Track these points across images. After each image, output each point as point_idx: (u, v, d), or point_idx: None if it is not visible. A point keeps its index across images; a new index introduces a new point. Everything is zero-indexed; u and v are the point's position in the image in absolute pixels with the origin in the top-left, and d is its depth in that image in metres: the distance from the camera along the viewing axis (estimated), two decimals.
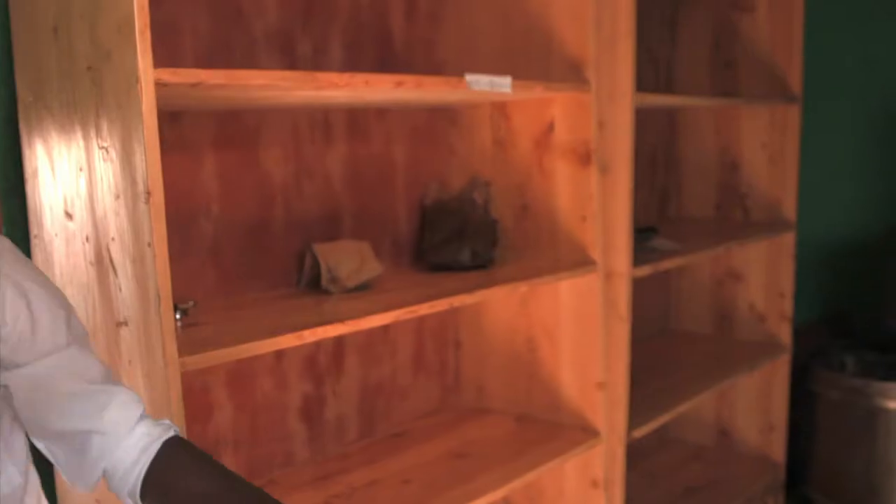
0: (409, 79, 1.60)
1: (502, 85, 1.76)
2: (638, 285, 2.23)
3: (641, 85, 2.24)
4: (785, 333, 3.06)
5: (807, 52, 2.99)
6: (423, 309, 1.66)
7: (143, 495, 1.02)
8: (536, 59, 2.07)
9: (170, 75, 1.22)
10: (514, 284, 1.88)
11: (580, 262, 2.06)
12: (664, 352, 3.03)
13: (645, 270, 2.24)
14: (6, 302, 0.96)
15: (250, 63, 1.78)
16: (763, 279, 3.10)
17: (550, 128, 2.09)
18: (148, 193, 1.20)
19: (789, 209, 3.04)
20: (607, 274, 2.16)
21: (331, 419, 2.01)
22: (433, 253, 2.06)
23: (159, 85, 1.21)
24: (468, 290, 1.78)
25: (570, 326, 2.15)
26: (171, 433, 1.05)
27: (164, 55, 1.40)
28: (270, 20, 1.81)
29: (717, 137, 3.18)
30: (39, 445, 1.07)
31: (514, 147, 2.16)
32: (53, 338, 1.02)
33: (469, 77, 1.69)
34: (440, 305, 1.70)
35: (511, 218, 2.19)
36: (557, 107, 2.08)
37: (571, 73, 2.03)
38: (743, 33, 3.08)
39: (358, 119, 2.02)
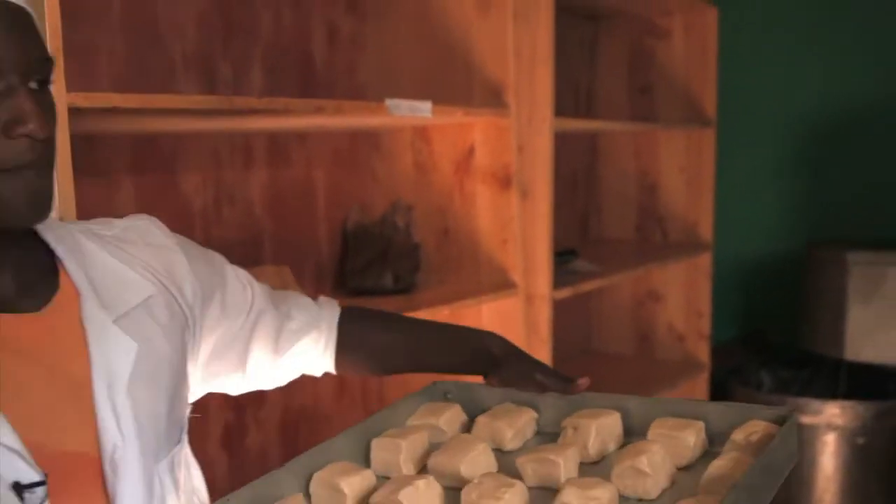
0: (329, 104, 1.60)
1: (422, 110, 1.77)
2: (559, 307, 2.26)
3: (561, 110, 2.28)
4: (703, 352, 3.13)
5: (722, 76, 3.08)
6: None
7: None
8: (457, 84, 2.10)
9: (83, 100, 1.20)
10: (435, 308, 1.89)
11: (501, 284, 2.08)
12: (586, 373, 3.05)
13: (565, 292, 2.27)
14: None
15: (169, 87, 1.76)
16: (681, 299, 3.17)
17: (471, 152, 2.11)
18: (61, 220, 1.18)
19: (706, 230, 3.11)
20: (528, 296, 2.18)
21: (253, 447, 1.99)
22: (355, 277, 2.06)
23: (73, 110, 1.19)
24: None
25: None
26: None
27: (79, 79, 1.38)
28: (189, 43, 1.80)
29: (636, 161, 3.25)
30: (220, 384, 1.29)
31: (435, 171, 2.17)
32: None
33: (389, 102, 1.70)
34: None
35: (433, 241, 2.20)
36: (478, 131, 2.10)
37: (492, 98, 2.05)
38: (659, 59, 3.16)
39: (279, 143, 2.01)
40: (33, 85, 0.97)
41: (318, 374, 1.37)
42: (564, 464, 1.03)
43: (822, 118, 3.03)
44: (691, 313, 3.15)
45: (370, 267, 2.04)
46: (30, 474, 0.94)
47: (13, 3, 0.96)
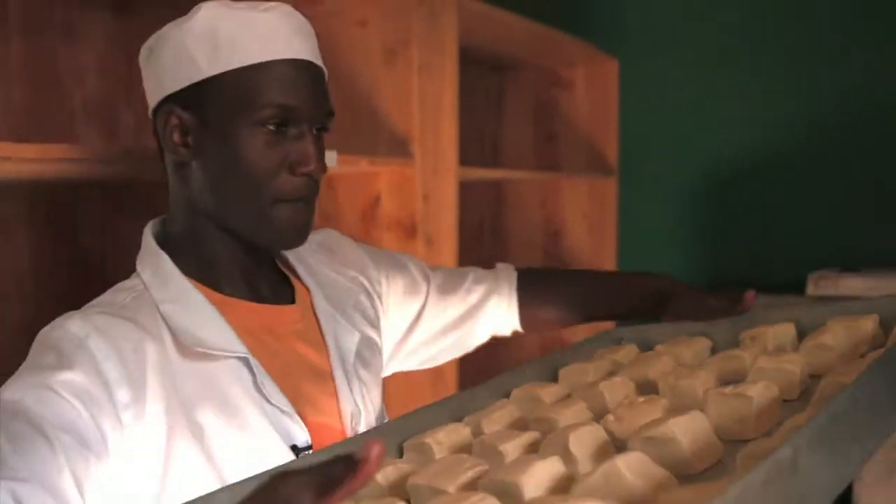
0: None
1: (328, 159, 1.78)
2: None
3: (467, 159, 2.32)
4: None
5: (625, 126, 3.17)
6: None
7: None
8: (363, 133, 2.12)
9: None
10: None
11: None
12: None
13: None
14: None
15: (69, 135, 1.73)
16: None
17: (377, 201, 2.13)
18: None
19: None
20: None
21: None
22: None
23: None
24: None
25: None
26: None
27: None
28: (90, 91, 1.78)
29: (541, 208, 3.31)
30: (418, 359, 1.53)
31: (341, 220, 2.18)
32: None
33: None
34: None
35: None
36: (383, 180, 2.12)
37: (397, 148, 2.08)
38: (563, 109, 3.25)
39: None
40: (317, 132, 1.20)
41: (508, 333, 1.57)
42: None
43: (721, 167, 3.14)
44: None
45: None
46: (303, 438, 1.15)
47: (316, 64, 1.20)
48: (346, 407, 1.22)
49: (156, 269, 1.17)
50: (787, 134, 3.03)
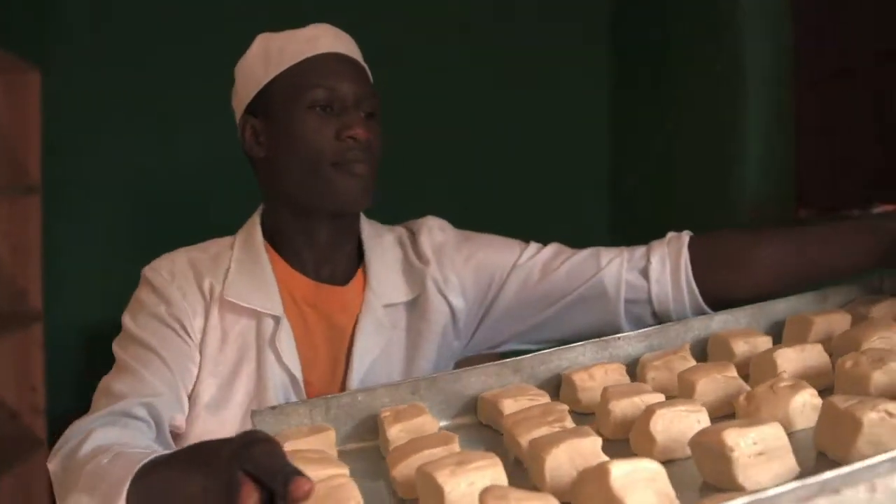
0: None
1: None
2: None
3: None
4: (40, 428, 2.97)
5: (53, 142, 3.02)
6: None
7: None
8: None
9: None
10: None
11: None
12: None
13: None
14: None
15: None
16: (13, 373, 2.96)
17: None
18: None
19: (35, 299, 2.99)
20: None
21: None
22: None
23: None
24: None
25: None
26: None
27: None
28: None
29: None
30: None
31: None
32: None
33: None
34: None
35: None
36: None
37: None
38: None
39: None
40: (362, 113, 1.40)
41: (686, 311, 1.41)
42: None
43: (156, 187, 3.20)
44: (25, 388, 2.97)
45: None
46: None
47: (352, 57, 1.43)
48: (352, 388, 1.37)
49: (247, 235, 1.46)
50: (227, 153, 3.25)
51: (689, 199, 3.39)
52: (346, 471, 0.95)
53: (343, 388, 1.39)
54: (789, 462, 0.82)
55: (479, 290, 1.50)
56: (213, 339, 1.37)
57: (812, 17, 3.00)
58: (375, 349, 1.41)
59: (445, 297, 1.48)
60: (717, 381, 1.06)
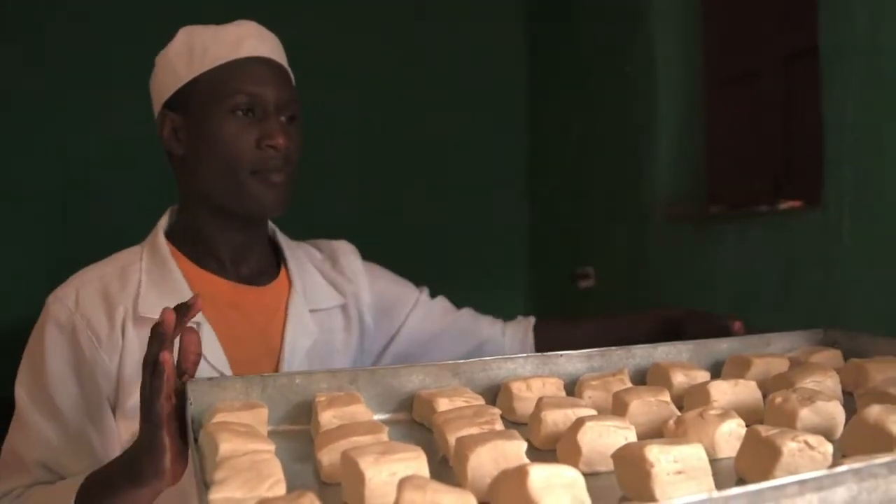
0: None
1: None
2: None
3: None
4: None
5: None
6: None
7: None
8: None
9: None
10: None
11: None
12: None
13: None
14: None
15: None
16: None
17: None
18: None
19: None
20: None
21: None
22: None
23: None
24: None
25: None
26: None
27: None
28: None
29: None
30: None
31: None
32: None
33: None
34: None
35: None
36: None
37: None
38: None
39: None
40: (284, 118, 1.43)
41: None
42: None
43: (60, 189, 3.14)
44: None
45: None
46: None
47: (279, 63, 1.45)
48: None
49: (153, 245, 1.45)
50: None
51: (605, 199, 3.45)
52: (271, 447, 0.94)
53: None
54: (707, 483, 0.83)
55: (384, 318, 1.62)
56: (131, 360, 1.35)
57: (721, 20, 3.11)
58: (301, 351, 1.44)
59: (361, 315, 1.58)
60: (649, 405, 1.07)
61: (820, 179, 2.35)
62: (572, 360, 1.29)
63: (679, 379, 1.22)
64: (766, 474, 0.84)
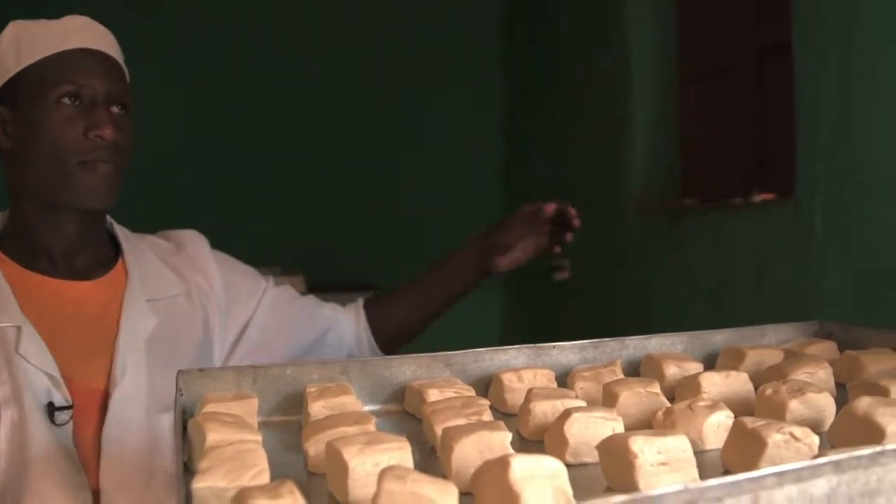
0: None
1: None
2: None
3: None
4: None
5: None
6: None
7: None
8: None
9: None
10: None
11: None
12: None
13: None
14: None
15: None
16: None
17: None
18: None
19: None
20: None
21: None
22: None
23: None
24: None
25: None
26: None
27: None
28: None
29: None
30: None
31: None
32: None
33: None
34: None
35: None
36: None
37: None
38: None
39: None
40: (115, 109, 1.42)
41: (355, 346, 1.70)
42: None
43: None
44: None
45: None
46: (60, 398, 1.33)
47: (110, 55, 1.44)
48: (118, 377, 1.40)
49: None
50: None
51: (581, 192, 3.46)
52: (258, 437, 0.95)
53: (108, 380, 1.40)
54: (691, 475, 0.83)
55: (235, 306, 1.61)
56: None
57: (695, 15, 3.12)
58: (139, 340, 1.42)
59: (208, 301, 1.57)
60: (639, 396, 1.06)
61: (793, 173, 2.35)
62: (565, 352, 1.29)
63: (672, 370, 1.22)
64: (751, 466, 0.83)
